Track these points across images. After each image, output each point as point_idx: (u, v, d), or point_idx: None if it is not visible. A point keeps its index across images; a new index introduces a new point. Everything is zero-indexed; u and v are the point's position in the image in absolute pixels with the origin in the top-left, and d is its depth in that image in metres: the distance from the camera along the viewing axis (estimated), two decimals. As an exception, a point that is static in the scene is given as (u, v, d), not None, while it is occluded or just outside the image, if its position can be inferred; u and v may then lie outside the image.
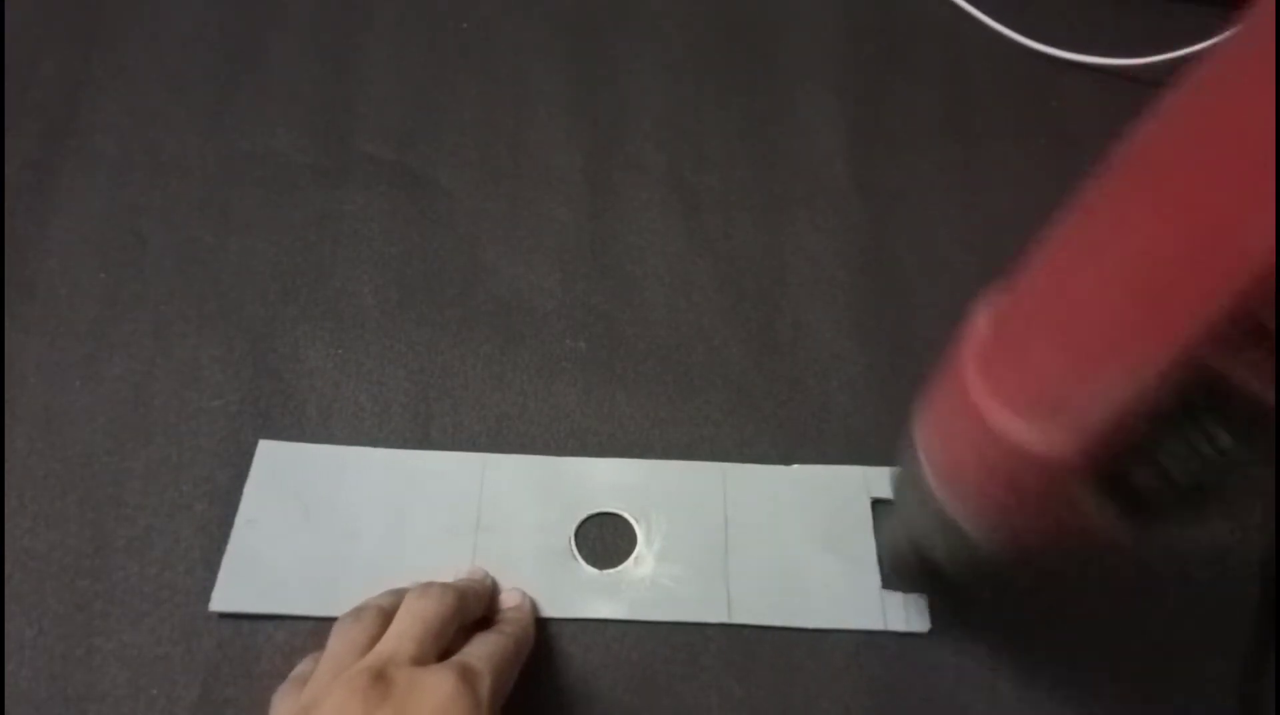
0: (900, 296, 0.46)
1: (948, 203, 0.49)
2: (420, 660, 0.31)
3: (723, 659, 0.37)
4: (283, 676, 0.33)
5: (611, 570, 0.38)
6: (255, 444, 0.40)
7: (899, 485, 0.32)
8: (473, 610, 0.35)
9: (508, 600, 0.37)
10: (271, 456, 0.40)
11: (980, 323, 0.26)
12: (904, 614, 0.38)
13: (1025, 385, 0.24)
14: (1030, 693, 0.37)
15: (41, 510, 0.38)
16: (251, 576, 0.37)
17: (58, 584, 0.37)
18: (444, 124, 0.50)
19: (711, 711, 0.36)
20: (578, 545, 0.39)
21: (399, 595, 0.34)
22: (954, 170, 0.50)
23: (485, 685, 0.30)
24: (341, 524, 0.38)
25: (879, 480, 0.41)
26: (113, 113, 0.49)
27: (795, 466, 0.41)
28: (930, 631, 0.37)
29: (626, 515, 0.40)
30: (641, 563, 0.39)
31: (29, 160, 0.47)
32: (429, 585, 0.34)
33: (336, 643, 0.32)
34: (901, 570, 0.38)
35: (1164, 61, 0.51)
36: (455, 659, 0.31)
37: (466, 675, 0.30)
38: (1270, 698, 0.36)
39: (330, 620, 0.33)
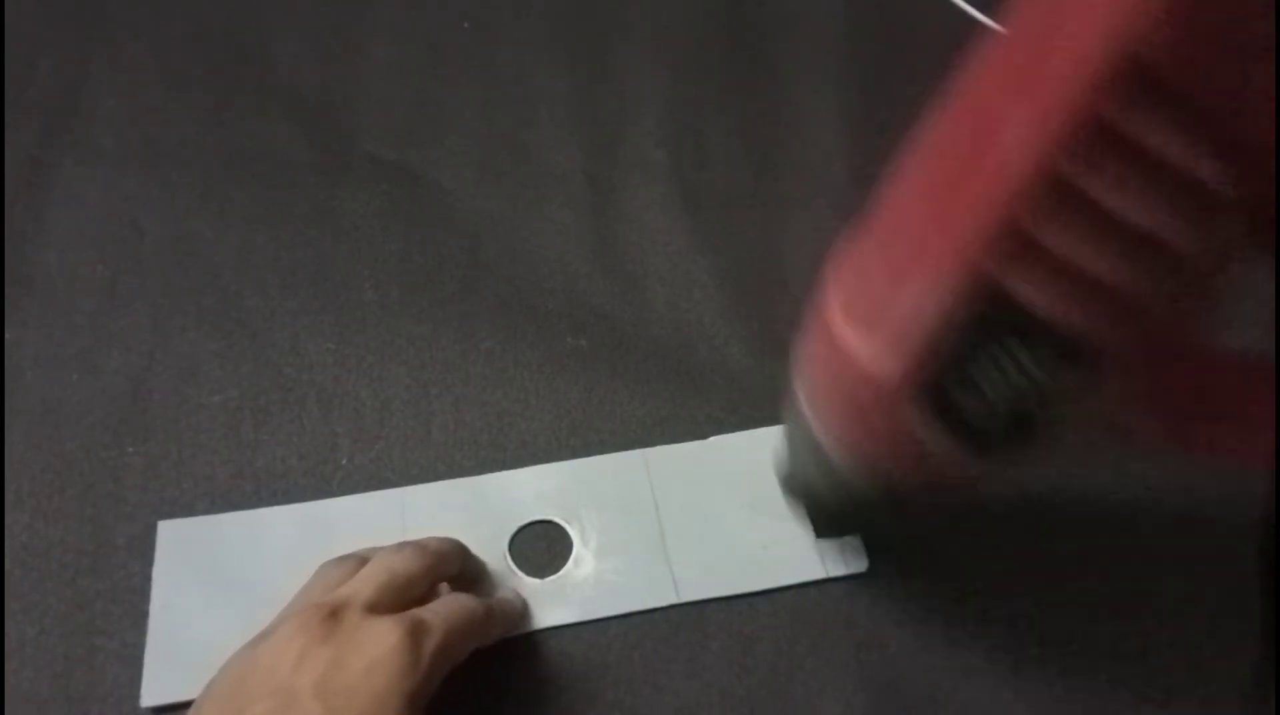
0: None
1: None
2: (376, 608, 0.31)
3: (724, 658, 0.37)
4: None
5: (554, 576, 0.38)
6: (257, 441, 0.40)
7: (786, 413, 0.33)
8: (446, 570, 0.35)
9: (505, 594, 0.37)
10: (175, 537, 0.37)
11: (844, 247, 0.27)
12: (841, 558, 0.39)
13: (861, 300, 0.25)
14: (1033, 692, 0.37)
15: (40, 506, 0.38)
16: (179, 663, 0.35)
17: (58, 582, 0.36)
18: (444, 124, 0.50)
19: (713, 710, 0.36)
20: (514, 559, 0.38)
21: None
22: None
23: (432, 643, 0.30)
24: (263, 590, 0.34)
25: None
26: (112, 107, 0.48)
27: (712, 438, 0.41)
28: (931, 630, 0.38)
29: (558, 519, 0.39)
30: (581, 563, 0.38)
31: (28, 154, 0.46)
32: (405, 544, 0.34)
33: (315, 580, 0.33)
34: (795, 495, 0.38)
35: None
36: (412, 611, 0.31)
37: (415, 630, 0.30)
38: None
39: None
